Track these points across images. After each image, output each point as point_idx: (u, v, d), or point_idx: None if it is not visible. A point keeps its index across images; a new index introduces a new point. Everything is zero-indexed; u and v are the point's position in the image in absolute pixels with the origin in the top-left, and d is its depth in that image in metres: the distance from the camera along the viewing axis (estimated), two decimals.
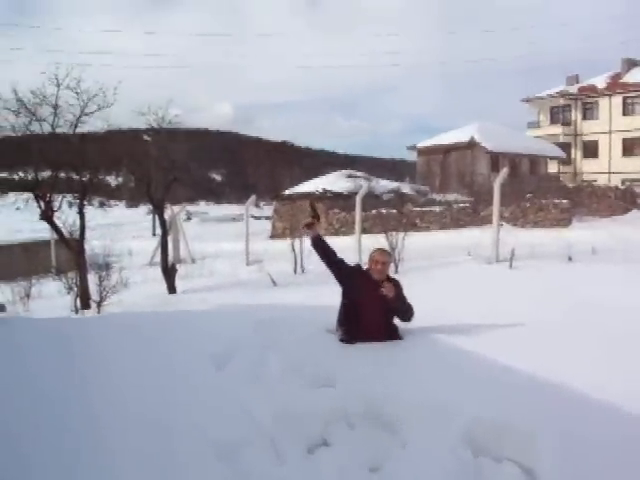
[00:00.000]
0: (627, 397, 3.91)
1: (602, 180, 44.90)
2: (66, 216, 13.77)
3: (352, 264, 6.35)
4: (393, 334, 5.80)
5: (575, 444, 3.33)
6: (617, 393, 3.98)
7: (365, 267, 6.21)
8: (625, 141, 52.37)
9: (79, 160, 13.64)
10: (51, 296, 14.54)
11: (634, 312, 6.57)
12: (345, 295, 6.03)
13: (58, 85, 13.04)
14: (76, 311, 12.39)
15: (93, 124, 14.07)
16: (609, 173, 50.97)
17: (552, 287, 8.72)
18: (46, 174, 14.11)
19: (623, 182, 43.84)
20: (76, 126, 13.57)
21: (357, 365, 4.93)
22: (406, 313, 5.86)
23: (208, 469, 3.49)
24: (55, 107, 13.24)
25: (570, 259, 11.55)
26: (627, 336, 5.60)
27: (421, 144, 46.98)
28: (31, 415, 4.20)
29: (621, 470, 3.16)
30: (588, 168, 53.83)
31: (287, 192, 35.58)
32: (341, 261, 6.21)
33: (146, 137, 17.06)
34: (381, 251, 6.18)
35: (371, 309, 5.72)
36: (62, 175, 14.35)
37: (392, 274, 7.07)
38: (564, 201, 26.47)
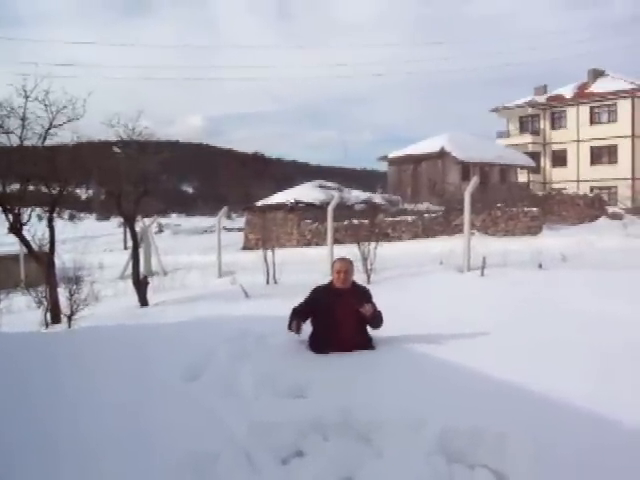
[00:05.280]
0: (596, 402, 3.96)
1: (571, 188, 45.41)
2: (35, 229, 13.59)
3: (311, 291, 6.26)
4: (366, 344, 5.82)
5: (547, 449, 3.36)
6: (586, 398, 4.03)
7: (329, 279, 6.23)
8: (593, 150, 53.20)
9: (48, 172, 13.48)
10: (20, 311, 14.34)
11: (603, 319, 6.66)
12: (315, 318, 6.01)
13: (26, 97, 12.90)
14: (46, 325, 12.23)
15: (62, 136, 13.94)
16: (578, 181, 51.69)
17: (522, 295, 8.79)
18: (14, 187, 13.93)
19: (592, 190, 44.47)
20: (45, 138, 13.42)
21: (330, 375, 4.94)
22: (378, 322, 5.89)
23: None
24: (23, 119, 13.09)
25: (540, 266, 11.66)
26: (596, 342, 5.67)
27: (392, 154, 47.21)
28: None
29: (592, 475, 3.19)
30: (557, 177, 54.58)
31: (259, 203, 35.55)
32: (304, 309, 6.06)
33: (116, 149, 16.93)
34: (342, 260, 6.19)
35: (343, 320, 5.74)
36: (31, 188, 14.18)
37: (365, 285, 7.09)
38: (534, 209, 26.73)
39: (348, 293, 5.93)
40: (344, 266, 6.06)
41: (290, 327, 5.89)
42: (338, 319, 5.72)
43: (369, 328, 5.96)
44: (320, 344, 5.74)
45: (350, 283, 6.07)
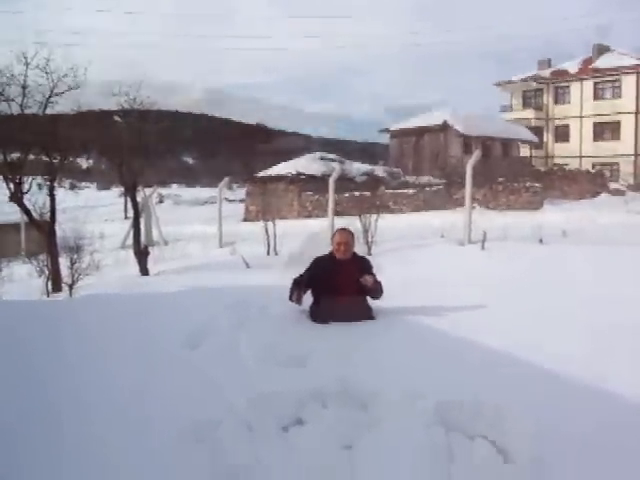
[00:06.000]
0: (597, 375, 3.99)
1: (573, 164, 45.35)
2: (36, 198, 13.59)
3: (311, 261, 6.25)
4: (367, 312, 5.84)
5: (546, 422, 3.38)
6: (587, 371, 4.04)
7: (330, 249, 6.22)
8: (596, 125, 52.97)
9: (49, 141, 13.45)
10: (22, 279, 14.38)
11: (603, 293, 6.68)
12: (316, 288, 6.02)
13: (27, 64, 12.82)
14: (48, 294, 12.28)
15: (63, 105, 13.89)
16: (580, 157, 51.53)
17: (522, 268, 8.82)
18: (15, 155, 13.92)
19: (594, 166, 44.39)
20: (46, 106, 13.38)
21: (330, 345, 4.96)
22: (378, 293, 5.92)
23: (184, 449, 3.49)
24: (24, 87, 13.03)
25: (541, 241, 11.66)
26: (598, 317, 5.68)
27: (394, 127, 47.01)
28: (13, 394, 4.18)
29: (591, 447, 3.21)
30: (559, 152, 54.39)
31: (260, 174, 35.49)
32: (305, 279, 6.05)
33: (117, 118, 16.87)
34: (342, 231, 6.18)
35: (343, 290, 5.75)
36: (32, 156, 14.16)
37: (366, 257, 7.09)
38: (536, 184, 26.74)
39: (348, 263, 5.95)
40: (344, 238, 6.06)
41: (291, 298, 5.91)
42: (338, 289, 5.73)
43: (369, 298, 5.98)
44: (320, 314, 5.76)
45: (351, 254, 6.08)
